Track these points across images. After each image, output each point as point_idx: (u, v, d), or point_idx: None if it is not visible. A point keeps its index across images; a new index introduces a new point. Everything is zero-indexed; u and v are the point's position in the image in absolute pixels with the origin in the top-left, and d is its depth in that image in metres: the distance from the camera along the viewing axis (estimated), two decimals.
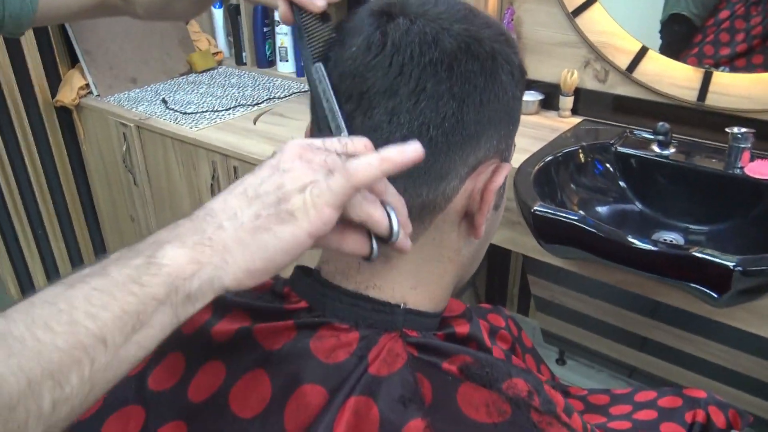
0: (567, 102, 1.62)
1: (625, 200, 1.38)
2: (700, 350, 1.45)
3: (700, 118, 1.43)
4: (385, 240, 0.42)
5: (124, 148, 1.79)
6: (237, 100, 1.83)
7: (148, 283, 0.37)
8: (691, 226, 1.30)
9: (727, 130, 1.26)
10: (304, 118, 1.66)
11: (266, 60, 2.07)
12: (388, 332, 0.48)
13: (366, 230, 0.42)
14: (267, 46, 2.04)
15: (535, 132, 1.56)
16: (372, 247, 0.43)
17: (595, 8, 1.52)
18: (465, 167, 0.47)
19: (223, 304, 0.55)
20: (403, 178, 0.45)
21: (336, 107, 0.46)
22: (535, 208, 1.15)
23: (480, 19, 0.47)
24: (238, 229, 0.39)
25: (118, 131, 1.80)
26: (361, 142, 0.41)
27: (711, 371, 1.46)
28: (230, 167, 1.55)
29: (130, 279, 0.37)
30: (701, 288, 1.06)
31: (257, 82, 1.98)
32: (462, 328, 0.52)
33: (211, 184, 1.61)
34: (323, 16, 0.51)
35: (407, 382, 0.46)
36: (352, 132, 0.45)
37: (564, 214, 1.14)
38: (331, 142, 0.41)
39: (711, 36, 1.51)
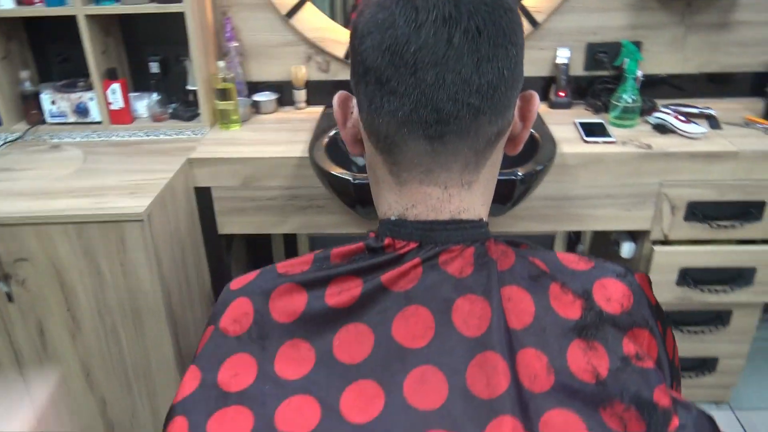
0: (301, 95, 1.80)
1: None
2: None
3: None
4: None
5: None
6: None
7: None
8: None
9: None
10: (38, 166, 1.47)
11: None
12: (488, 241, 0.60)
13: None
14: None
15: (288, 125, 1.69)
16: None
17: (307, 8, 1.72)
18: (516, 98, 0.61)
19: (313, 281, 0.59)
20: (489, 112, 0.57)
21: None
22: (356, 180, 1.31)
23: None
24: None
25: None
26: None
27: None
28: None
29: None
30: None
31: None
32: None
33: None
34: None
35: (526, 265, 0.60)
36: (446, 86, 0.55)
37: None
38: None
39: None
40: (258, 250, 2.08)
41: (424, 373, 0.54)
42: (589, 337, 0.56)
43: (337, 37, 1.75)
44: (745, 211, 1.54)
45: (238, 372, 0.57)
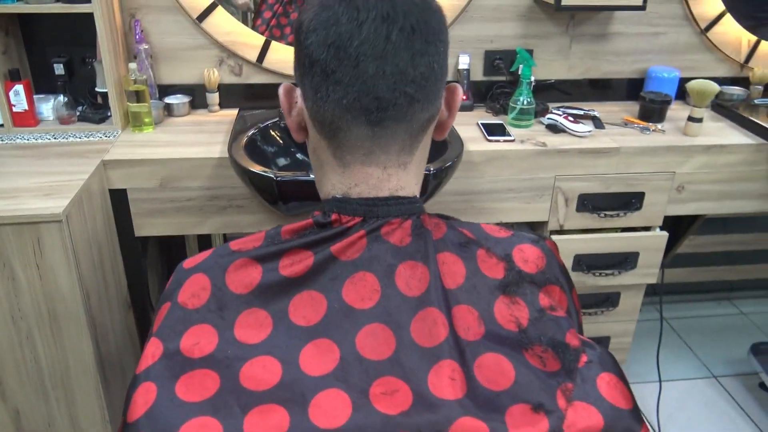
0: (214, 98, 1.81)
1: (297, 155, 1.68)
2: None
3: None
4: None
5: None
6: None
7: None
8: None
9: None
10: None
11: None
12: (423, 215, 0.68)
13: None
14: None
15: (203, 128, 1.71)
16: None
17: (218, 12, 1.74)
18: (443, 89, 0.69)
19: (266, 255, 0.64)
20: (422, 100, 0.65)
21: None
22: (279, 177, 1.35)
23: None
24: None
25: None
26: None
27: None
28: None
29: None
30: None
31: None
32: None
33: None
34: None
35: (456, 234, 0.68)
36: (386, 77, 0.62)
37: (302, 177, 1.37)
38: None
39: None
40: (171, 252, 2.06)
41: (373, 330, 0.61)
42: (511, 293, 0.66)
43: (248, 41, 1.79)
44: (627, 202, 1.73)
45: (199, 341, 0.61)
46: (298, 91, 0.69)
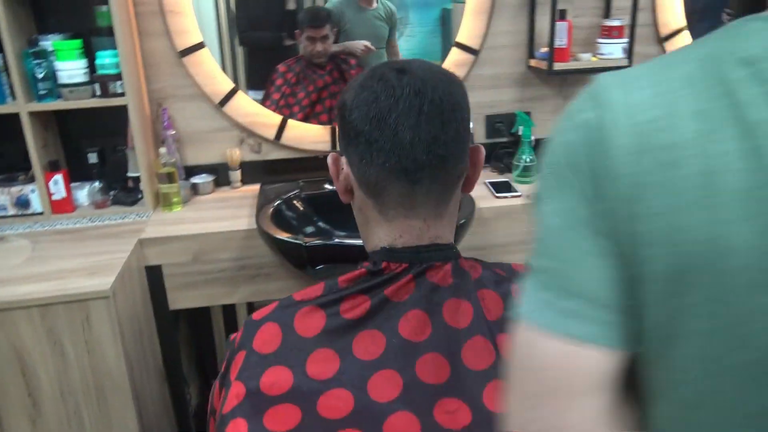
0: (236, 175, 1.93)
1: (319, 223, 1.78)
2: None
3: None
4: None
5: None
6: None
7: None
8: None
9: None
10: None
11: None
12: (460, 258, 0.77)
13: None
14: None
15: (228, 203, 1.82)
16: None
17: (238, 96, 1.88)
18: (468, 149, 0.80)
19: (328, 302, 0.73)
20: (452, 160, 0.75)
21: None
22: (307, 243, 1.45)
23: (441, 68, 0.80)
24: None
25: None
26: None
27: None
28: None
29: None
30: None
31: None
32: None
33: None
34: None
35: (491, 273, 0.77)
36: (422, 142, 0.73)
37: (328, 242, 1.47)
38: None
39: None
40: (198, 326, 2.13)
41: (429, 359, 0.69)
42: None
43: (267, 121, 1.92)
44: None
45: (277, 380, 0.69)
46: (343, 159, 0.80)
